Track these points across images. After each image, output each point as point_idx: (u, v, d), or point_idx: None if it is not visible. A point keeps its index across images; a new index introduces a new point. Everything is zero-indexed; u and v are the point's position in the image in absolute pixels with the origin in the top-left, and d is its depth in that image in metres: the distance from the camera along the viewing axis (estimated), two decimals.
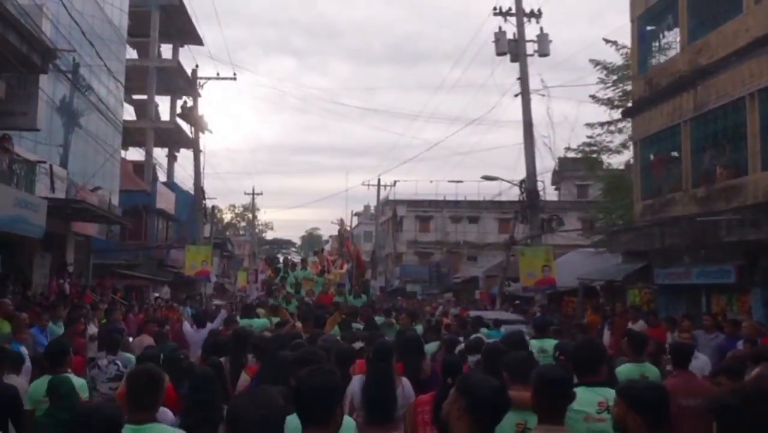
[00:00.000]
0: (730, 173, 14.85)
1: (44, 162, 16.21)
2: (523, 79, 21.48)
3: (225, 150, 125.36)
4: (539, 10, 22.13)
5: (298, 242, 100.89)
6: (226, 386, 5.97)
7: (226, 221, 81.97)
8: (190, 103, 27.43)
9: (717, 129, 15.32)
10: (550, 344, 8.72)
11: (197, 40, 35.73)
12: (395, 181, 49.97)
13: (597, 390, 4.01)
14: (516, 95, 21.70)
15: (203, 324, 10.75)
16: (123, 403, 4.55)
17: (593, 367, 4.19)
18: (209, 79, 27.38)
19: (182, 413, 4.69)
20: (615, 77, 24.65)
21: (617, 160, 26.37)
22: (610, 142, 25.69)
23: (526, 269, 18.23)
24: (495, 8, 21.97)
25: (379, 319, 12.16)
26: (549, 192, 40.90)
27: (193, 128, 27.97)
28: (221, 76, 27.36)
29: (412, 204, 52.54)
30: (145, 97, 34.33)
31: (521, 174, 21.62)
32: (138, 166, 32.34)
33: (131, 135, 29.65)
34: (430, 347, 8.15)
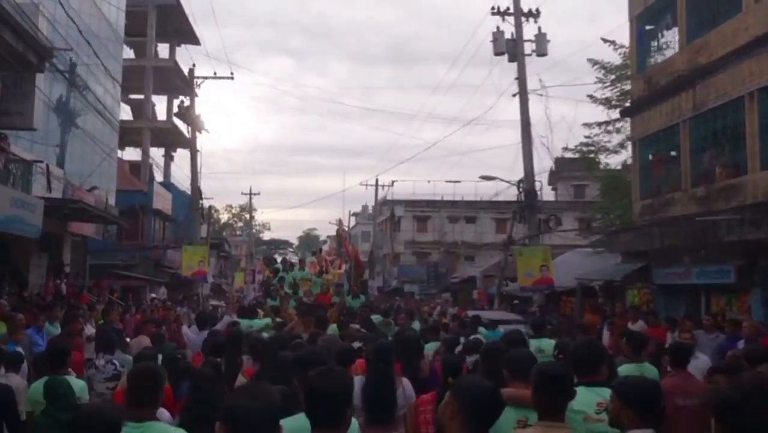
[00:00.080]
0: (729, 173, 14.82)
1: (41, 162, 16.12)
2: (521, 78, 21.47)
3: (222, 150, 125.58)
4: (537, 10, 22.17)
5: (296, 242, 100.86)
6: (224, 386, 5.93)
7: (223, 221, 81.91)
8: (187, 102, 27.40)
9: (716, 128, 15.29)
10: (547, 343, 8.74)
11: (194, 40, 35.64)
12: (393, 182, 50.07)
13: (596, 390, 4.02)
14: (514, 95, 21.70)
15: (205, 326, 10.69)
16: (122, 402, 4.54)
17: (593, 367, 4.20)
18: (206, 78, 27.38)
19: (182, 413, 4.70)
20: (613, 77, 24.59)
21: (615, 160, 26.34)
22: (608, 142, 25.66)
23: (524, 268, 18.23)
24: (493, 8, 21.97)
25: (376, 318, 12.15)
26: (546, 192, 40.90)
27: (190, 128, 27.95)
28: (218, 75, 27.31)
29: (410, 204, 52.53)
30: (141, 96, 34.22)
31: (519, 174, 21.63)
32: (135, 166, 32.25)
33: (128, 135, 29.57)
34: (429, 347, 8.12)
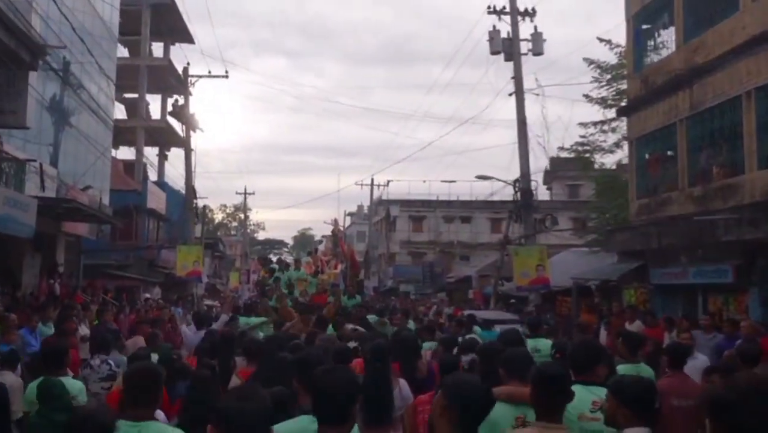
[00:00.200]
0: (726, 172, 14.79)
1: (34, 161, 16.00)
2: (517, 78, 21.44)
3: (216, 149, 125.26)
4: (533, 9, 22.17)
5: (290, 242, 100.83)
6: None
7: (217, 221, 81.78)
8: (181, 101, 27.25)
9: (713, 128, 15.26)
10: (544, 343, 8.73)
11: (189, 39, 35.50)
12: (388, 181, 50.13)
13: (592, 389, 4.05)
14: (510, 94, 21.66)
15: (203, 326, 10.64)
16: (115, 402, 4.48)
17: (589, 366, 4.23)
18: (201, 77, 27.23)
19: (180, 414, 4.73)
20: (609, 76, 24.56)
21: (610, 160, 26.32)
22: (603, 141, 25.63)
23: (520, 268, 18.21)
24: (489, 7, 21.96)
25: (371, 318, 12.12)
26: (541, 192, 40.98)
27: (184, 127, 27.79)
28: (213, 74, 27.19)
29: (405, 204, 52.54)
30: (136, 95, 34.08)
31: (515, 174, 21.60)
32: (129, 166, 32.08)
33: (122, 134, 29.44)
34: (425, 346, 8.09)
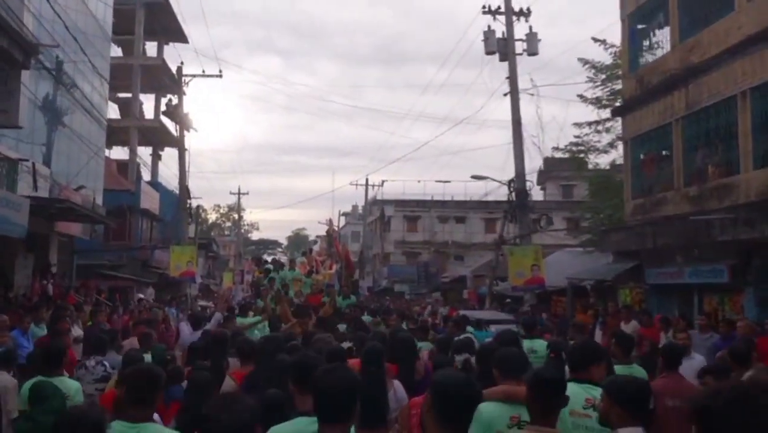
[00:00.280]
0: (722, 172, 14.80)
1: (26, 160, 15.87)
2: (512, 78, 21.43)
3: (210, 149, 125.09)
4: (528, 9, 22.14)
5: (285, 242, 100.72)
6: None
7: (211, 221, 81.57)
8: (175, 101, 27.17)
9: (709, 128, 15.26)
10: (540, 344, 8.70)
11: (182, 38, 35.37)
12: (383, 181, 50.13)
13: (586, 387, 4.14)
14: (505, 94, 21.66)
15: (199, 326, 10.57)
16: (109, 403, 4.43)
17: (585, 366, 4.31)
18: (194, 76, 27.17)
19: (178, 415, 4.76)
20: (603, 76, 24.58)
21: (604, 160, 26.35)
22: (598, 141, 25.66)
23: (515, 268, 18.20)
24: (484, 7, 21.95)
25: (366, 318, 12.07)
26: (535, 192, 40.96)
27: (178, 127, 27.71)
28: (207, 73, 27.11)
29: (400, 204, 52.54)
30: (129, 95, 33.94)
31: (509, 174, 21.60)
32: (122, 166, 31.97)
33: (115, 134, 29.31)
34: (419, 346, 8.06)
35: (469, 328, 11.27)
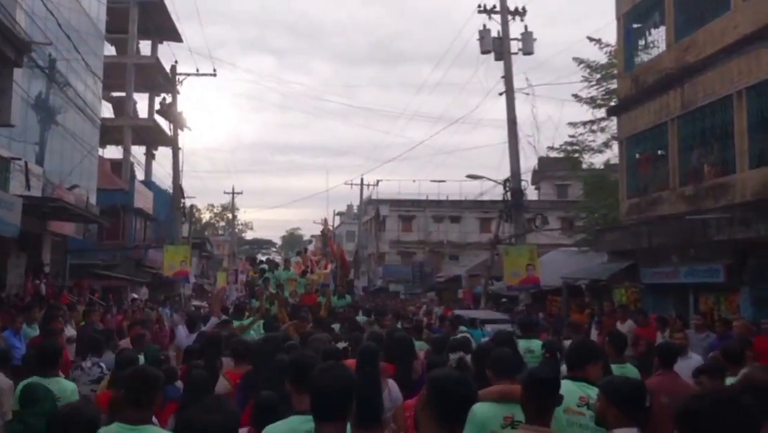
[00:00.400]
0: (717, 171, 14.79)
1: (19, 159, 15.75)
2: (508, 77, 21.43)
3: (204, 148, 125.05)
4: (523, 8, 22.15)
5: (279, 242, 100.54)
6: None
7: (204, 220, 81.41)
8: (169, 100, 27.06)
9: (704, 127, 15.24)
10: (537, 344, 8.65)
11: (176, 37, 35.26)
12: (378, 181, 50.13)
13: (581, 385, 4.17)
14: (500, 94, 21.65)
15: (195, 328, 10.50)
16: (104, 404, 4.39)
17: (581, 365, 4.35)
18: (188, 75, 27.08)
19: (177, 414, 4.75)
20: (599, 76, 24.56)
21: (599, 160, 26.34)
22: (593, 141, 25.64)
23: (511, 267, 18.19)
24: (479, 6, 21.95)
25: (361, 318, 12.04)
26: (529, 192, 41.02)
27: (171, 126, 27.61)
28: (201, 72, 27.01)
29: (395, 204, 52.54)
30: (123, 94, 33.80)
31: (504, 174, 21.59)
32: (116, 165, 31.80)
33: (109, 133, 29.18)
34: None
35: (462, 327, 11.24)
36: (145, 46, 36.36)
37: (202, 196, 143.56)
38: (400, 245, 52.33)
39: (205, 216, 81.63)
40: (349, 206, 69.05)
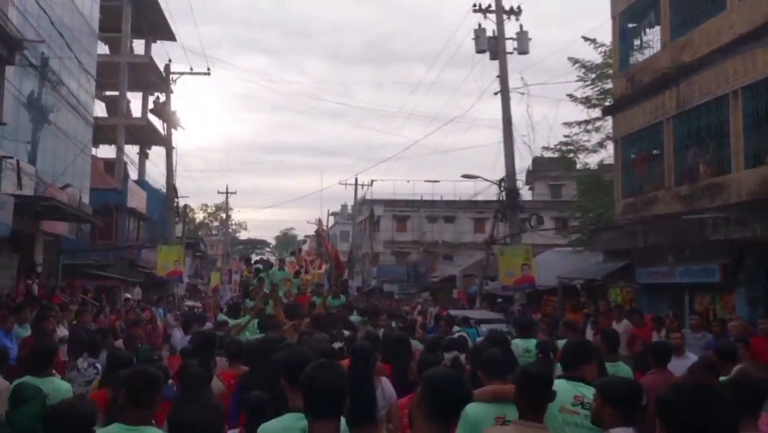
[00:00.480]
0: (713, 171, 14.79)
1: (11, 158, 15.60)
2: (503, 76, 21.39)
3: (198, 148, 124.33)
4: (519, 7, 22.12)
5: (273, 242, 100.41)
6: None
7: (198, 220, 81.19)
8: (162, 99, 26.93)
9: (700, 126, 15.24)
10: (534, 343, 8.61)
11: (170, 36, 35.07)
12: (372, 181, 50.02)
13: (576, 385, 4.20)
14: (495, 93, 21.62)
15: (190, 329, 10.44)
16: (99, 404, 4.38)
17: (577, 364, 4.37)
18: (182, 74, 26.95)
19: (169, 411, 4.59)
20: (593, 76, 24.57)
21: (594, 160, 26.36)
22: (587, 141, 25.65)
23: (506, 267, 18.20)
24: (474, 5, 21.94)
25: (355, 318, 11.98)
26: (523, 192, 41.02)
27: (165, 125, 27.47)
28: (195, 71, 26.89)
29: (389, 204, 52.52)
30: (116, 93, 33.63)
31: (499, 174, 21.56)
32: (109, 164, 31.66)
33: (102, 132, 29.04)
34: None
35: (456, 327, 11.19)
36: (138, 45, 36.20)
37: (196, 196, 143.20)
38: (394, 245, 52.31)
39: (199, 216, 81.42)
40: (344, 206, 69.04)
